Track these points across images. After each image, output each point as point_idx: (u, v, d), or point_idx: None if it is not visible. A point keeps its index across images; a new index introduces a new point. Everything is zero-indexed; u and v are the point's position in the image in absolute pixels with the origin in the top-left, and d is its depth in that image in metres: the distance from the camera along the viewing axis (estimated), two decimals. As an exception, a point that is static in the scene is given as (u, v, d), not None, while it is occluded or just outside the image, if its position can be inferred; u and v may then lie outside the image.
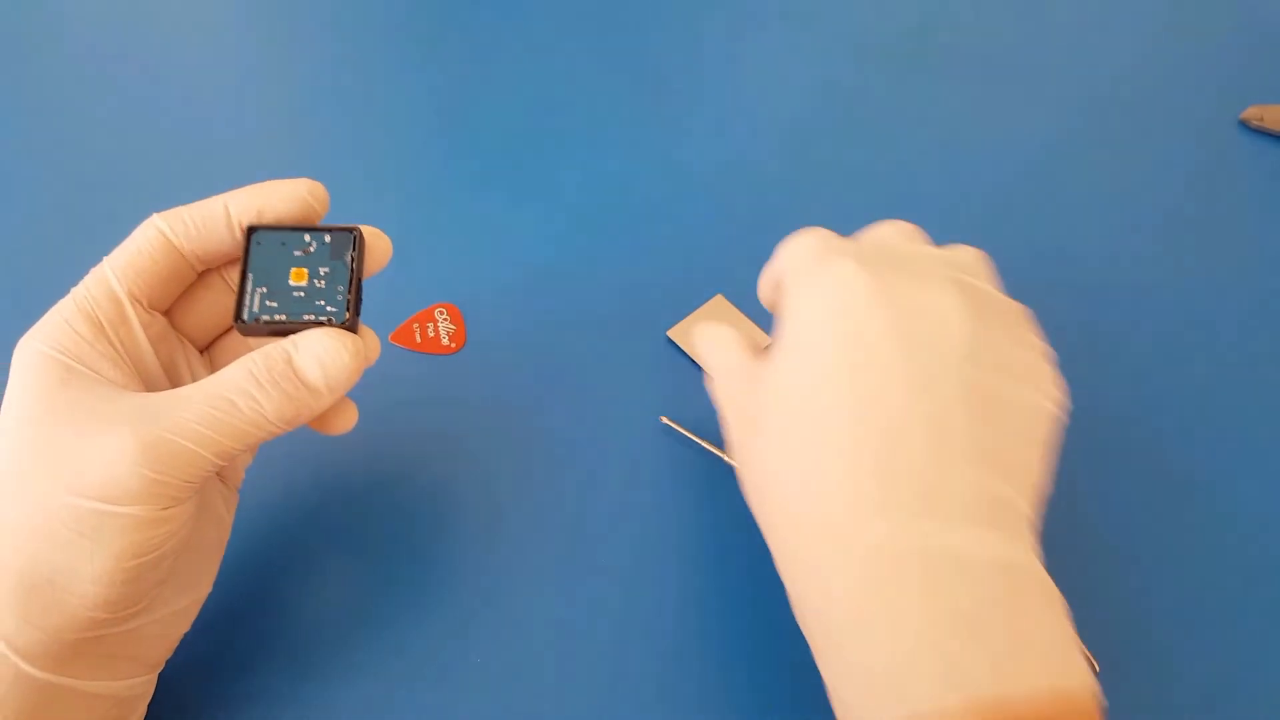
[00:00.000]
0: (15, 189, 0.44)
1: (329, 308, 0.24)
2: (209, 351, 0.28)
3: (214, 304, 0.27)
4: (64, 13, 0.54)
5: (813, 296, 0.25)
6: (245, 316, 0.24)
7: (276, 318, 0.24)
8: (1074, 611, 0.28)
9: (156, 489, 0.21)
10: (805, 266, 0.26)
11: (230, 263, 0.26)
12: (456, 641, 0.29)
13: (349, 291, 0.24)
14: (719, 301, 0.37)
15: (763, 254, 0.29)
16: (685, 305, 0.38)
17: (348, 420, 0.27)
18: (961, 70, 0.49)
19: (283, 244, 0.25)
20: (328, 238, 0.25)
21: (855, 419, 0.23)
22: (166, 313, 0.26)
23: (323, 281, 0.24)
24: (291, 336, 0.24)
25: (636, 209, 0.42)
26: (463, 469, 0.33)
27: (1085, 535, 0.31)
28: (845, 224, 0.30)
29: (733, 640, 0.29)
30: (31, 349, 0.23)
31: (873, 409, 0.23)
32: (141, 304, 0.24)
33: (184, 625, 0.26)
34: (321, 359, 0.23)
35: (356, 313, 0.25)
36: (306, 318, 0.24)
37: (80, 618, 0.21)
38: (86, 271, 0.24)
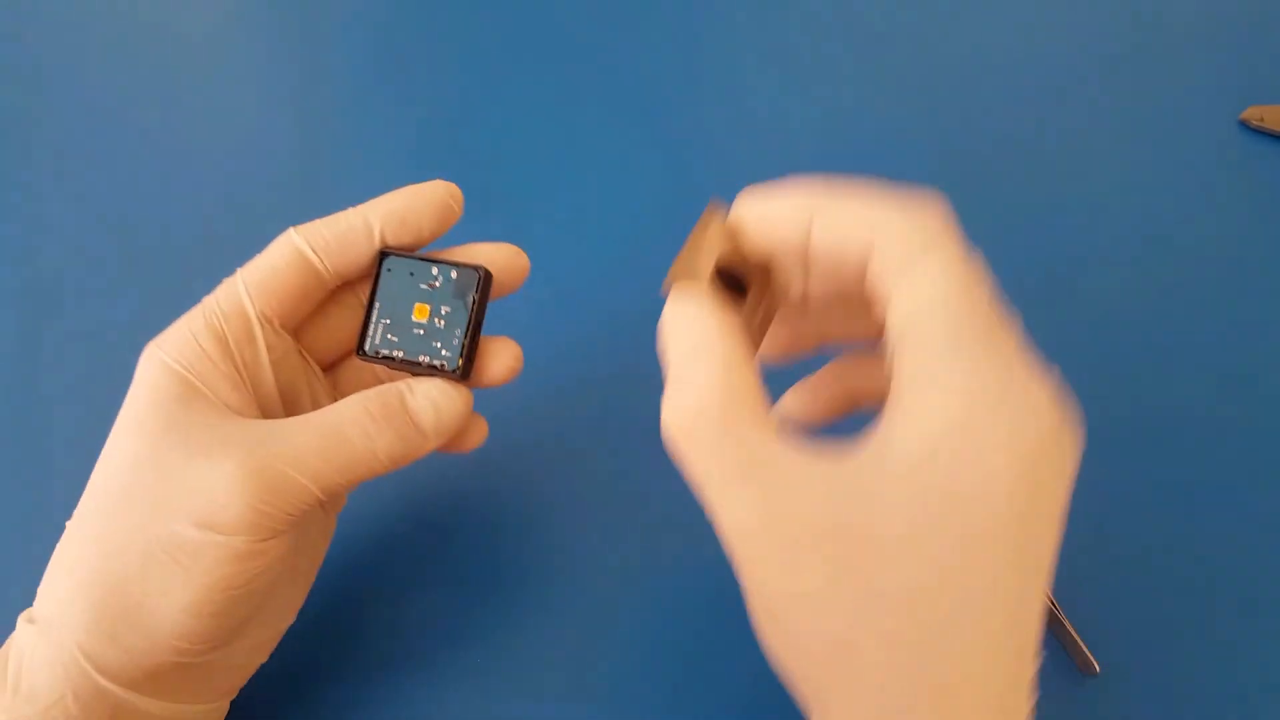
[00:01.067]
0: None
1: (444, 351, 0.24)
2: (333, 371, 0.27)
3: (345, 320, 0.26)
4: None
5: (975, 365, 0.17)
6: (367, 349, 0.24)
7: (395, 353, 0.24)
8: (1076, 612, 0.28)
9: (260, 519, 0.21)
10: (961, 290, 0.18)
11: (365, 278, 0.25)
12: (483, 643, 0.29)
13: (465, 337, 0.23)
14: (715, 207, 0.23)
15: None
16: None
17: (478, 437, 0.26)
18: (960, 71, 0.49)
19: (411, 274, 0.24)
20: (454, 274, 0.24)
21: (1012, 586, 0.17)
22: (294, 330, 0.25)
23: (442, 321, 0.24)
24: (407, 380, 0.24)
25: (645, 211, 0.42)
26: (471, 474, 0.33)
27: (1085, 535, 0.31)
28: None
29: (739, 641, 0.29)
30: (156, 358, 0.22)
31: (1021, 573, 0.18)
32: (271, 324, 0.24)
33: (263, 656, 0.25)
34: (437, 403, 0.23)
35: (470, 359, 0.24)
36: (422, 359, 0.24)
37: (164, 645, 0.21)
38: (218, 277, 0.24)
